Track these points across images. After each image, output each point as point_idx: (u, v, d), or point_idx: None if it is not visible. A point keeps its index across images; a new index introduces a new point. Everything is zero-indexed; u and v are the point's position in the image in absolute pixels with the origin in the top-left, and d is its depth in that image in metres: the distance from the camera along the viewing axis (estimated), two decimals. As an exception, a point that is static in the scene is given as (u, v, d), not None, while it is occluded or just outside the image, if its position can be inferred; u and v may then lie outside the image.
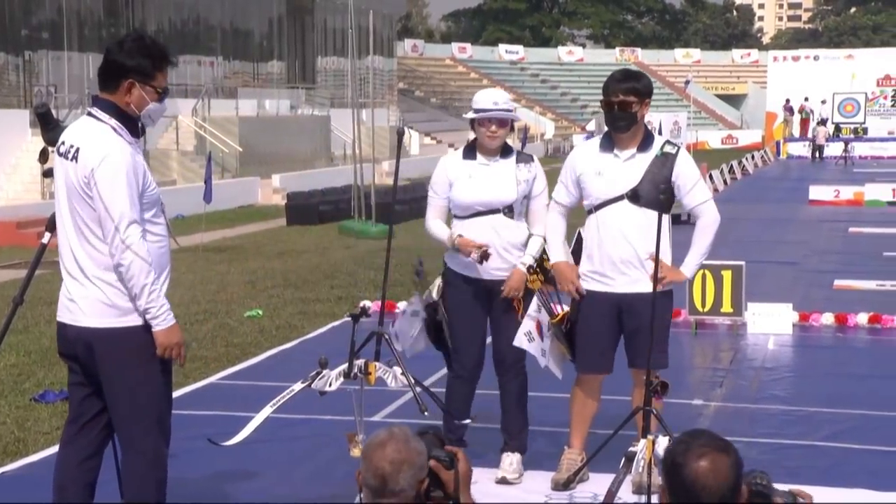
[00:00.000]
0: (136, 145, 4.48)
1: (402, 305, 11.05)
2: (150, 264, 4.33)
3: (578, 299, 5.70)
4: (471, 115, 5.86)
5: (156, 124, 4.71)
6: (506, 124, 5.84)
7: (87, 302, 4.39)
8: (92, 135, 4.39)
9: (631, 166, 5.56)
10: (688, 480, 2.83)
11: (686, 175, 5.59)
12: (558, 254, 5.81)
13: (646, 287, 5.41)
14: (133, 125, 4.46)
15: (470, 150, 5.93)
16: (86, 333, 4.40)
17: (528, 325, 5.65)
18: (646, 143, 5.64)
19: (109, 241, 4.32)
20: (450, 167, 5.94)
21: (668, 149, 5.60)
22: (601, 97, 5.63)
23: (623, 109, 5.47)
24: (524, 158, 5.96)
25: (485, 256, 5.71)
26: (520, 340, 5.66)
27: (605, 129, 5.74)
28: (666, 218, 5.23)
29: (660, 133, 26.93)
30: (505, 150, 5.93)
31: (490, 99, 5.85)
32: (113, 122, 4.40)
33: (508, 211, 5.81)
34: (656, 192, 5.37)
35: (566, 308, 5.82)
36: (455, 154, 6.04)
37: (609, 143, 5.62)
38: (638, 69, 5.67)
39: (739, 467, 2.90)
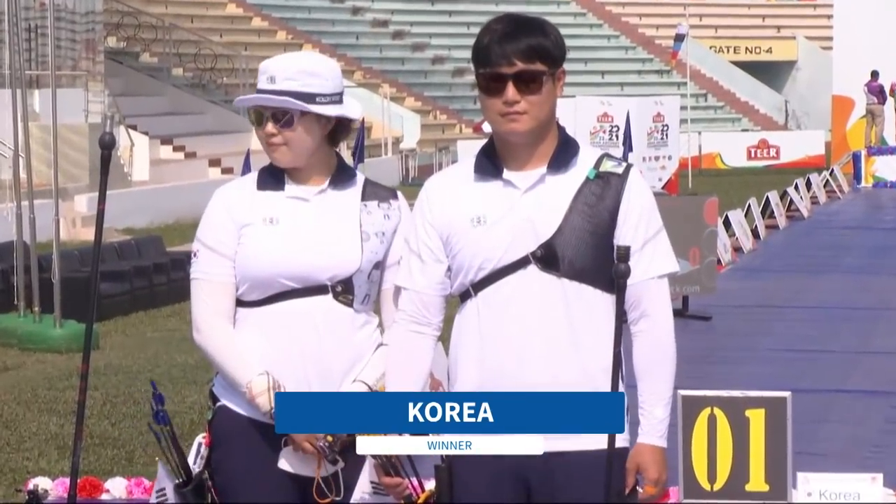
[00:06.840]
0: None
1: (115, 486, 11.02)
2: None
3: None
4: (239, 100, 6.05)
5: None
6: (292, 122, 5.86)
7: None
8: None
9: (538, 201, 5.60)
10: None
11: (638, 217, 5.63)
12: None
13: (577, 442, 5.53)
14: None
15: (271, 174, 6.01)
16: None
17: None
18: (563, 154, 5.64)
19: None
20: (234, 203, 5.99)
21: (608, 166, 5.65)
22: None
23: (524, 90, 5.54)
24: (378, 192, 6.08)
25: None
26: None
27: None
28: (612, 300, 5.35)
29: (627, 136, 27.21)
30: (341, 173, 6.04)
31: (268, 71, 5.93)
32: None
33: (344, 290, 5.91)
34: (595, 249, 5.52)
35: (429, 487, 5.87)
36: (245, 181, 6.12)
37: (492, 164, 5.65)
38: (536, 16, 5.71)
39: None
